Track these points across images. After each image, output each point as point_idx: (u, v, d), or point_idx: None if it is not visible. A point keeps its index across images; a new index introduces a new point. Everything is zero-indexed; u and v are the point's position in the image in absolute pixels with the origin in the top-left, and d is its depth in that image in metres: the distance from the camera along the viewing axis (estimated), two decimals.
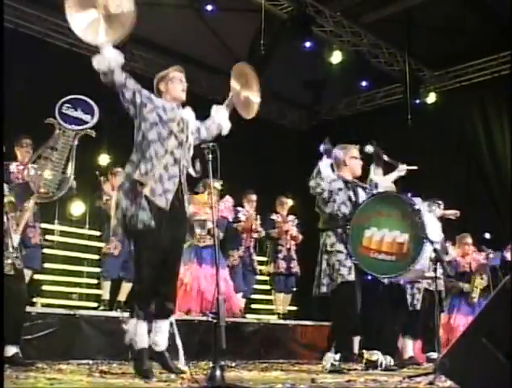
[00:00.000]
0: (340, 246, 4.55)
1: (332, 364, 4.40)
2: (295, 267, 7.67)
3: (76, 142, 4.27)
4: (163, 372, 3.60)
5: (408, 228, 4.26)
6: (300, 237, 7.69)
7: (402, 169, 5.26)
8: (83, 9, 3.48)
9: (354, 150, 4.88)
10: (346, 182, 4.74)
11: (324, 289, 4.53)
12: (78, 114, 4.09)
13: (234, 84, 3.93)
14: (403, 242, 4.29)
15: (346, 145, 4.91)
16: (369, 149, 5.02)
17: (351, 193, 4.70)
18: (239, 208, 7.32)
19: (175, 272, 3.78)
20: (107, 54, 3.46)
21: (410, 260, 4.26)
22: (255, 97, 4.07)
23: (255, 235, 7.38)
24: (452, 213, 6.20)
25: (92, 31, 3.48)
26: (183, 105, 3.83)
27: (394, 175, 5.30)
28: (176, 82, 3.80)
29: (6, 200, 4.04)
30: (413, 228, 4.20)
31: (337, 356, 4.45)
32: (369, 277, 4.56)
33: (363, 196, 4.73)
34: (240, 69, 4.05)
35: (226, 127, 3.97)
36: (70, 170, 4.24)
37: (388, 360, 4.73)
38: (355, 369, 4.66)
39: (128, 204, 3.50)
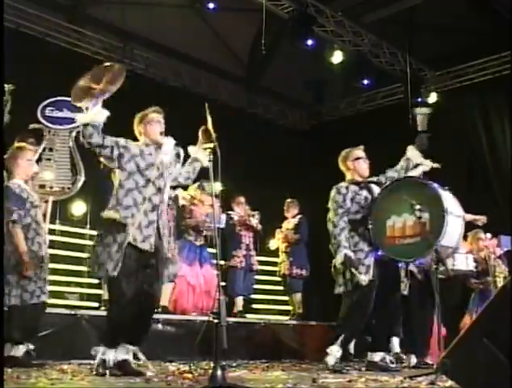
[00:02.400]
0: (363, 245, 4.58)
1: (336, 361, 4.42)
2: (284, 269, 7.57)
3: (71, 143, 4.31)
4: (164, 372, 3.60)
5: (426, 204, 4.24)
6: (293, 237, 7.59)
7: (427, 164, 5.15)
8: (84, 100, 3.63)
9: (356, 151, 4.86)
10: (357, 183, 4.75)
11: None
12: (65, 114, 4.17)
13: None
14: (425, 221, 4.27)
15: (348, 149, 4.88)
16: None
17: (365, 192, 4.71)
18: (230, 212, 7.30)
19: (153, 308, 3.97)
20: (90, 119, 3.55)
21: (435, 236, 4.23)
22: None
23: (253, 222, 7.31)
24: (479, 218, 6.06)
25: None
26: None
27: (419, 170, 5.19)
28: (155, 124, 3.82)
29: None
30: (430, 202, 4.19)
31: (339, 353, 4.46)
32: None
33: (377, 190, 4.75)
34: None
35: (205, 162, 3.73)
36: (80, 171, 4.30)
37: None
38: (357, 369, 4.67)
39: (108, 248, 3.58)
